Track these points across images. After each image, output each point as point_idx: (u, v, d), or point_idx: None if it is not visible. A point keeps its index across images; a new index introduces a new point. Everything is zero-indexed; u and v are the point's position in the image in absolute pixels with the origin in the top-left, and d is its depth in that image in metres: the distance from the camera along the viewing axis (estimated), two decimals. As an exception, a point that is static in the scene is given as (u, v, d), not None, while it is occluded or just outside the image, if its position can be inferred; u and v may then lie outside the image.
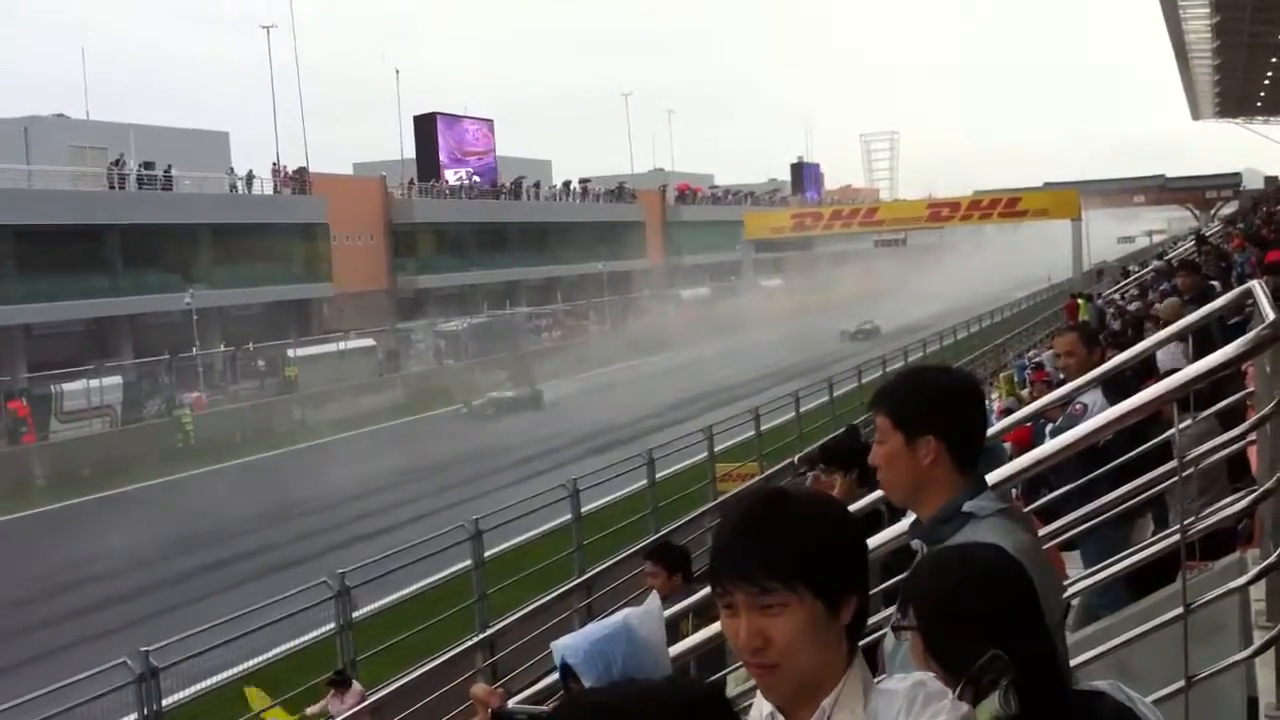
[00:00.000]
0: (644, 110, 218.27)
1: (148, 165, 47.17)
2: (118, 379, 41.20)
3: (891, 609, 2.26)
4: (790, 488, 1.94)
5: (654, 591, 2.24)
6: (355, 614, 13.09)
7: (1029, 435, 7.66)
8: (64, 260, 42.53)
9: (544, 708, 1.77)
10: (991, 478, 3.58)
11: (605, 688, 1.67)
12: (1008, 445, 7.73)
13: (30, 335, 42.02)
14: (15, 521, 30.74)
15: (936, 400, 2.77)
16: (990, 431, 5.36)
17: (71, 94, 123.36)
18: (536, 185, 73.17)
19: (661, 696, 1.48)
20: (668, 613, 3.29)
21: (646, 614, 1.95)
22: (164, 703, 10.86)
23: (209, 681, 12.95)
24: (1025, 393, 16.23)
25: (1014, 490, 5.17)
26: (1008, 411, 12.33)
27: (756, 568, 1.77)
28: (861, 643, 3.14)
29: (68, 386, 39.09)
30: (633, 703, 1.45)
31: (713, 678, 4.59)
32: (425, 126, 66.77)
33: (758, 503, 1.86)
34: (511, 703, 1.90)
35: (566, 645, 1.91)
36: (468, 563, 14.88)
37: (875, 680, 1.88)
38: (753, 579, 1.77)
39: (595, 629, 1.93)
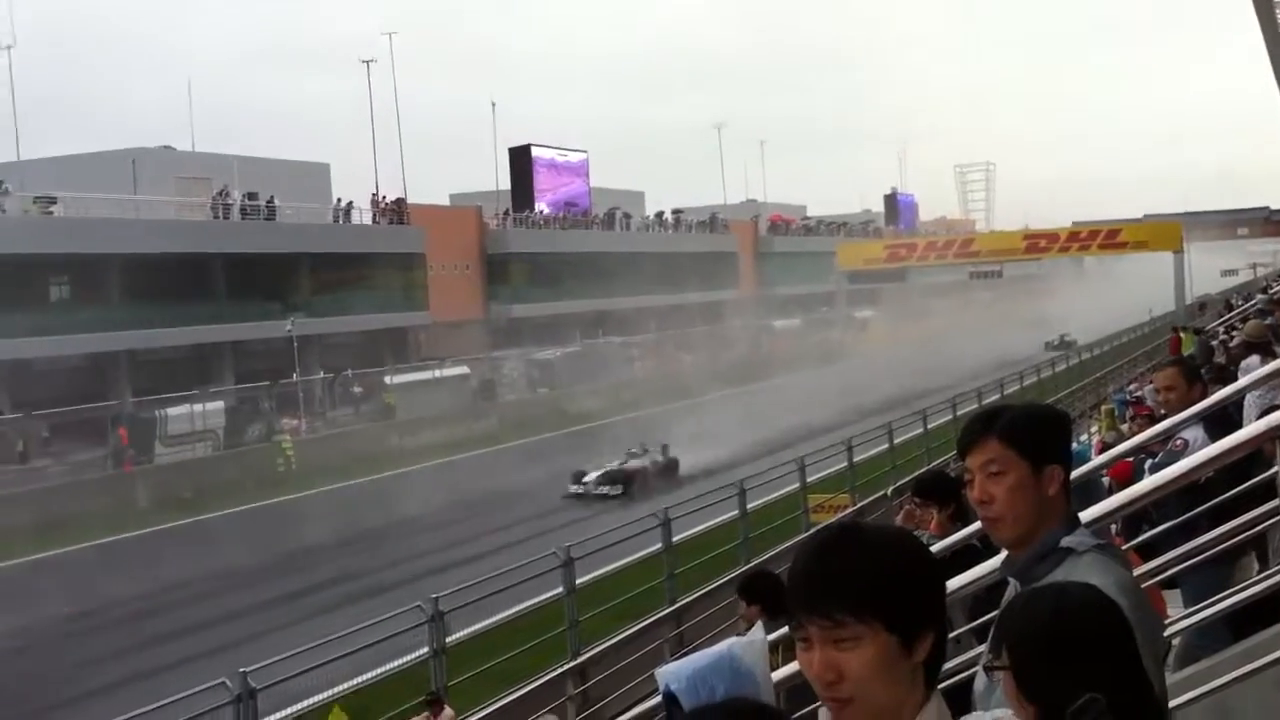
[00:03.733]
0: (737, 141, 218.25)
1: (251, 196, 48.20)
2: (220, 404, 42.07)
3: (984, 646, 2.24)
4: (864, 521, 1.96)
5: (759, 622, 2.27)
6: (448, 639, 13.24)
7: (1129, 470, 7.55)
8: (169, 288, 43.47)
9: None
10: (1091, 513, 3.57)
11: None
12: (1106, 480, 7.63)
13: (136, 361, 43.10)
14: (128, 541, 31.50)
15: (1057, 429, 2.78)
16: (1090, 466, 5.35)
17: (178, 126, 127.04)
18: (628, 216, 73.54)
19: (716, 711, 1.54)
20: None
21: (750, 644, 1.98)
22: (261, 723, 11.09)
23: (305, 703, 13.19)
24: (1125, 427, 15.95)
25: (1113, 526, 5.12)
26: (1108, 446, 12.13)
27: (828, 601, 1.79)
28: (952, 681, 3.12)
29: (172, 411, 39.95)
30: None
31: (804, 710, 4.59)
32: (520, 158, 67.51)
33: (831, 536, 1.86)
34: None
35: (670, 672, 1.95)
36: (559, 590, 14.99)
37: None
38: (824, 612, 1.79)
39: (700, 657, 1.96)
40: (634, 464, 35.21)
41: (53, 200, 41.12)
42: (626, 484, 33.76)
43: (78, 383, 40.35)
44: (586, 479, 34.21)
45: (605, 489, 33.66)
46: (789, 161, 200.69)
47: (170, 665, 19.35)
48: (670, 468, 35.90)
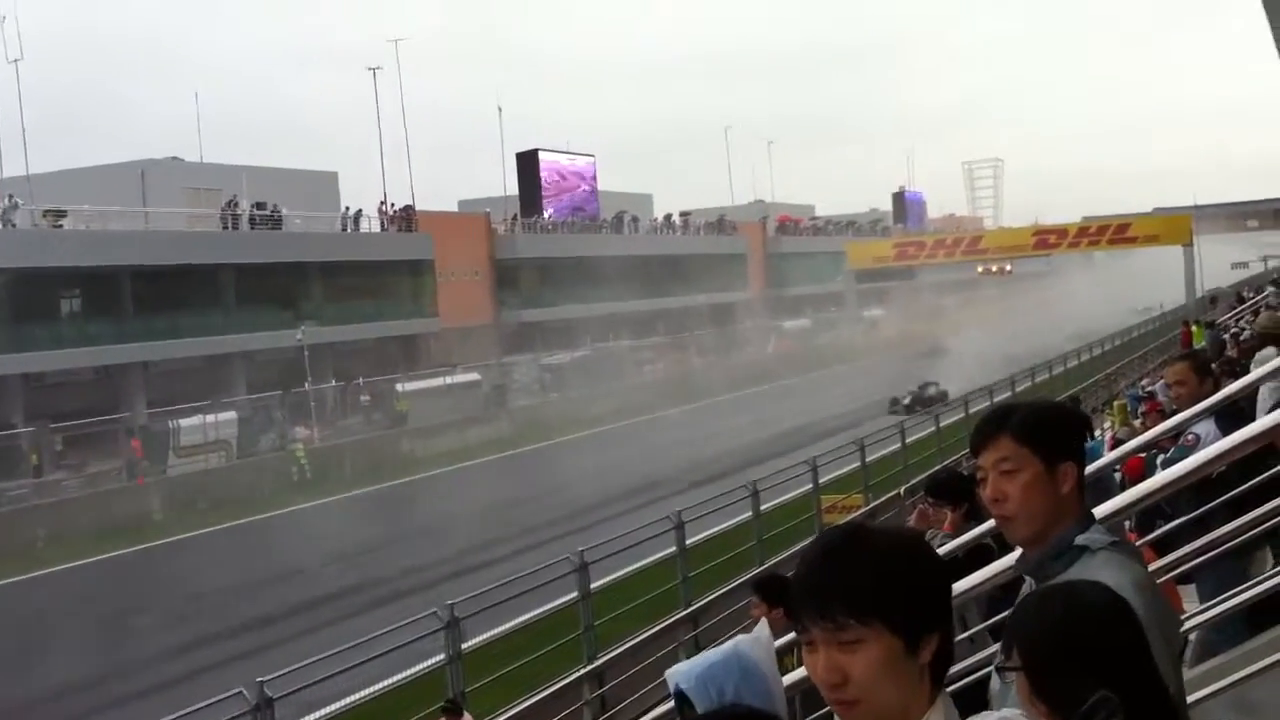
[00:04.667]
0: (744, 142, 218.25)
1: (259, 206, 48.23)
2: (233, 414, 42.09)
3: (998, 645, 2.23)
4: (868, 524, 1.95)
5: (763, 619, 2.27)
6: (465, 645, 13.23)
7: (1140, 466, 7.54)
8: (180, 299, 43.58)
9: None
10: (1104, 509, 3.56)
11: None
12: (1117, 476, 7.61)
13: (148, 372, 43.17)
14: (150, 550, 31.62)
15: (1071, 425, 2.75)
16: (1102, 462, 5.33)
17: (186, 138, 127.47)
18: (636, 219, 73.50)
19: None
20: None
21: (756, 641, 1.99)
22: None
23: (322, 712, 13.19)
24: (1138, 423, 15.92)
25: (1126, 522, 5.11)
26: (1120, 442, 12.10)
27: (831, 604, 1.79)
28: (969, 680, 3.11)
29: (184, 422, 39.99)
30: None
31: (817, 713, 4.59)
32: (528, 163, 67.55)
33: (833, 539, 1.86)
34: None
35: (680, 672, 1.96)
36: (574, 594, 14.98)
37: None
38: (828, 615, 1.79)
39: (708, 656, 1.98)
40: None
41: (62, 213, 41.18)
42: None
43: (91, 395, 40.42)
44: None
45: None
46: (797, 161, 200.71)
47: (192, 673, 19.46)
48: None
